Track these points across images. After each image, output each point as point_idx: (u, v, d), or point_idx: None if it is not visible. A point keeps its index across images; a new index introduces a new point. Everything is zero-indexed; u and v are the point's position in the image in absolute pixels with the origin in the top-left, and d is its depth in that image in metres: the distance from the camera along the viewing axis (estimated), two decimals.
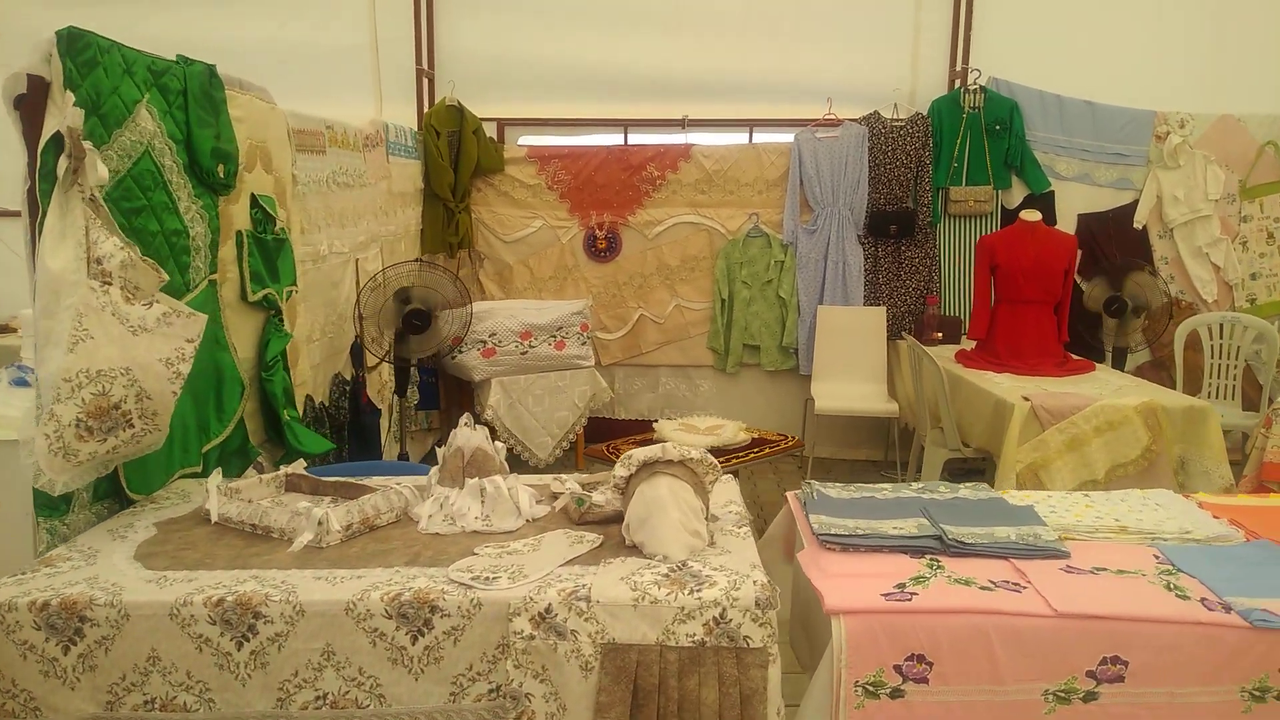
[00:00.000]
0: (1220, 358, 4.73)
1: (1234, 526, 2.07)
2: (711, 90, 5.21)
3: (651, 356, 5.34)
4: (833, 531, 1.98)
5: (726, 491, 2.28)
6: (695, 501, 1.89)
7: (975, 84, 4.96)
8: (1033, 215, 4.07)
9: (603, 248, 5.25)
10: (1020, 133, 4.94)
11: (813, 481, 2.32)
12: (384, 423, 4.30)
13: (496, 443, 2.22)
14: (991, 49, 5.03)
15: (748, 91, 5.21)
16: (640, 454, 1.92)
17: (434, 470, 2.19)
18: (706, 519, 1.94)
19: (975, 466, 4.15)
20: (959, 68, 5.05)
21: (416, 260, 3.74)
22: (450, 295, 3.68)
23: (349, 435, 3.53)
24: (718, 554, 1.85)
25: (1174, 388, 4.69)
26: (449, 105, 5.03)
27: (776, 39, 5.14)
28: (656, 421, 4.00)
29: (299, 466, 2.28)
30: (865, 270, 5.09)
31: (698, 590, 1.66)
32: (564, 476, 2.26)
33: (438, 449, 2.21)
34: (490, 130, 5.27)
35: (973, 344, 4.32)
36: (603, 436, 4.50)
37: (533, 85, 5.26)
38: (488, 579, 1.69)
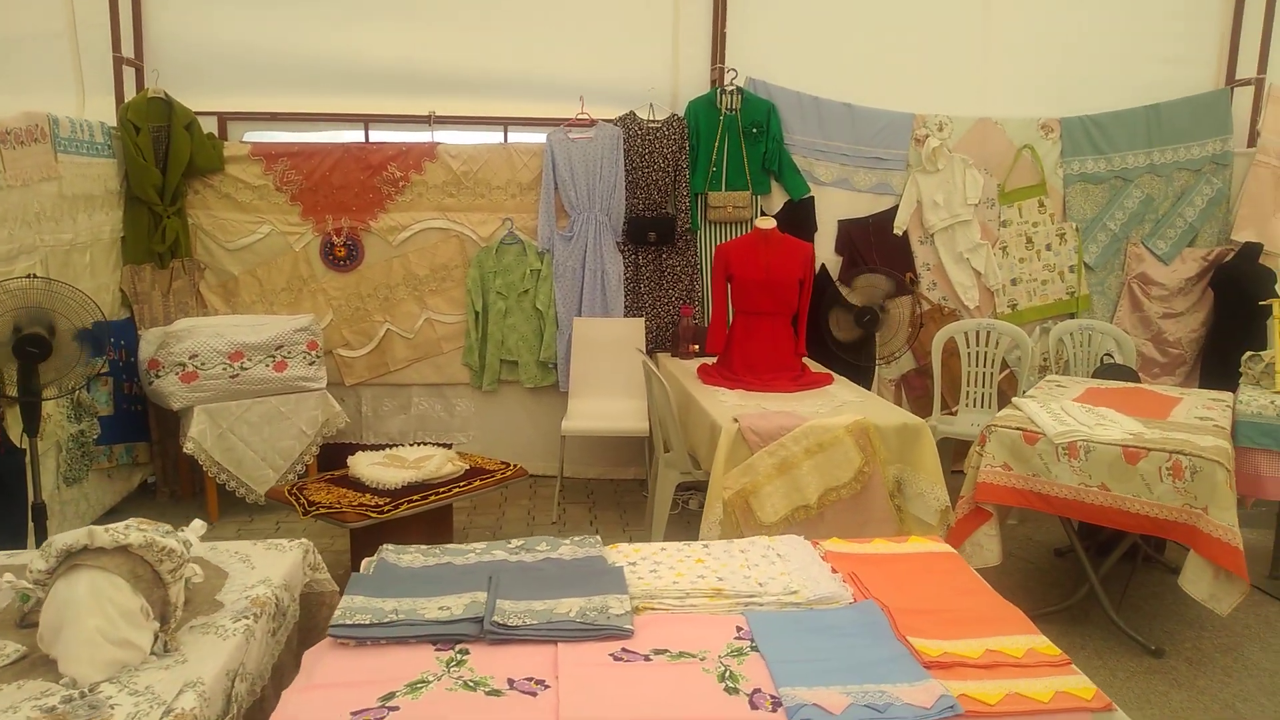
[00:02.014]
0: (978, 365, 4.66)
1: (848, 584, 1.81)
2: (461, 85, 4.80)
3: (402, 375, 4.88)
4: (350, 621, 1.60)
5: (277, 563, 1.87)
6: (131, 602, 1.47)
7: (732, 85, 4.73)
8: (767, 223, 3.85)
9: (342, 256, 4.76)
10: (778, 136, 4.74)
11: (389, 547, 1.94)
12: (54, 461, 3.70)
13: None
14: (748, 49, 4.82)
15: (501, 87, 4.83)
16: (62, 540, 1.49)
17: None
18: (165, 619, 1.52)
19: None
20: (720, 67, 4.82)
21: (30, 276, 3.17)
22: (77, 312, 3.13)
23: None
24: (168, 666, 1.44)
25: (933, 396, 4.59)
26: (153, 97, 4.43)
27: (529, 31, 4.78)
28: (353, 456, 3.56)
29: None
30: (626, 279, 4.79)
31: None
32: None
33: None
34: (211, 125, 4.70)
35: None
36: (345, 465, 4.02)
37: (261, 76, 4.72)
38: None
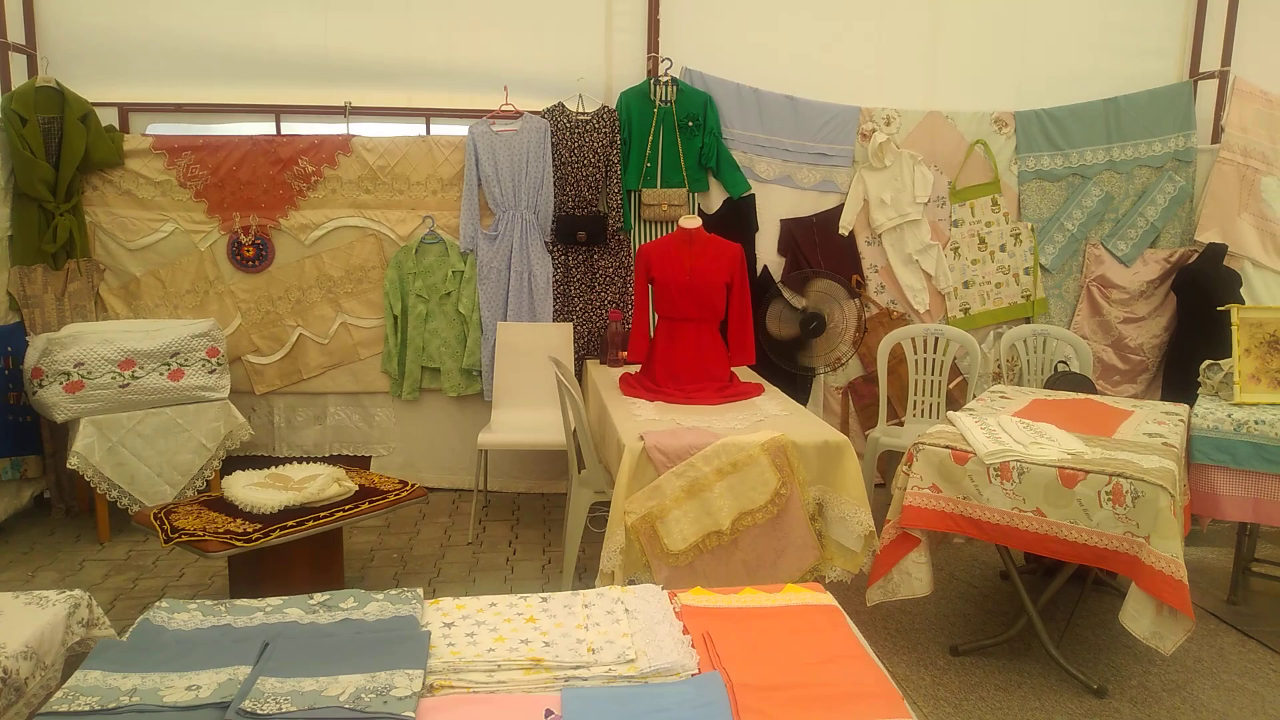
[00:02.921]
0: (926, 373, 4.39)
1: (698, 648, 1.53)
2: (380, 74, 4.51)
3: (316, 383, 4.58)
4: (66, 708, 1.31)
5: (22, 623, 1.58)
6: None
7: (666, 75, 4.45)
8: (692, 221, 3.57)
9: (250, 256, 4.46)
10: (715, 130, 4.47)
11: (164, 604, 1.65)
12: None
13: None
14: (686, 37, 4.55)
15: (423, 76, 4.54)
16: None
17: None
18: None
19: None
20: (654, 56, 4.54)
21: None
22: None
23: None
24: None
25: (879, 404, 4.33)
26: (42, 86, 4.12)
27: (453, 16, 4.49)
28: (226, 476, 3.26)
29: None
30: (555, 281, 4.51)
31: None
32: None
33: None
34: (111, 117, 4.40)
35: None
36: None
37: (165, 64, 4.43)
38: None
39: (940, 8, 4.69)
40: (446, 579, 3.64)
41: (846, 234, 4.63)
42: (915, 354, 4.38)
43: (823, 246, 4.62)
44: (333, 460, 4.62)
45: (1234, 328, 3.49)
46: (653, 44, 4.52)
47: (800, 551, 2.90)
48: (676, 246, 3.57)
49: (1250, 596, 3.59)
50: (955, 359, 4.56)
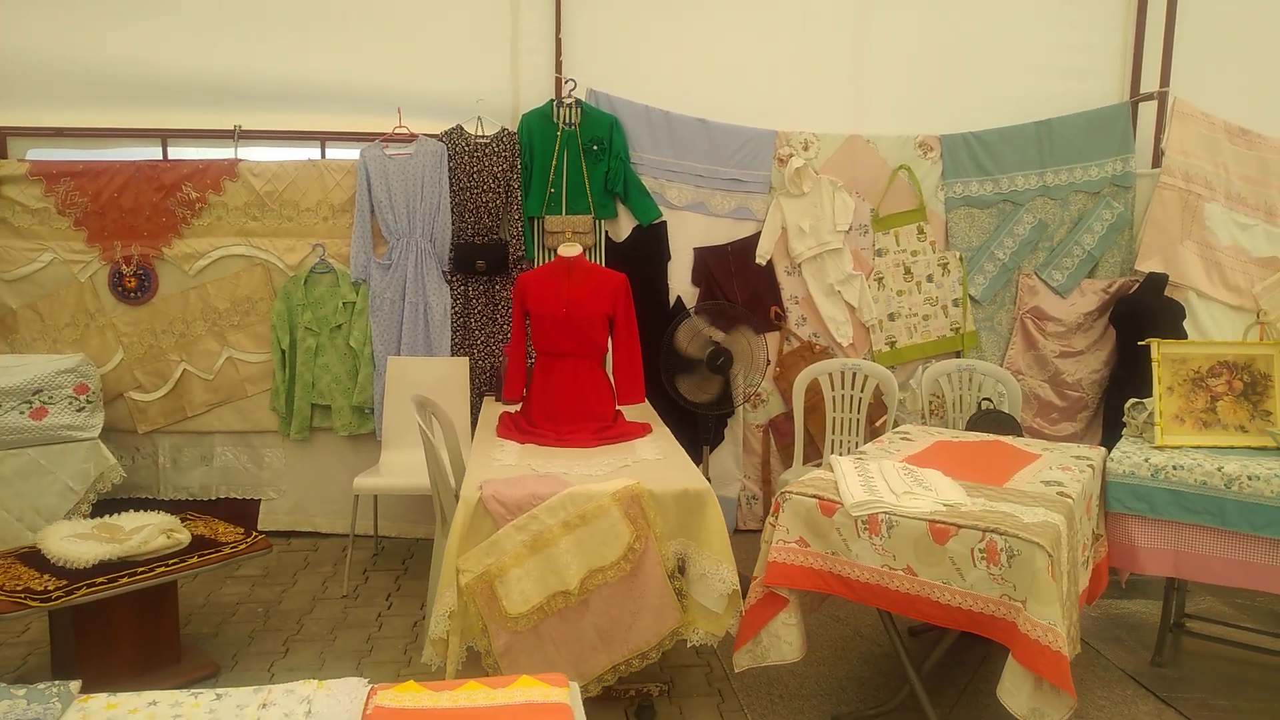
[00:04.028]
0: (844, 411, 4.13)
1: None
2: (272, 95, 4.31)
3: (202, 421, 4.33)
4: None
5: None
6: None
7: (570, 96, 4.24)
8: (572, 249, 3.32)
9: (132, 287, 4.23)
10: (622, 153, 4.25)
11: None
12: None
13: None
14: (594, 58, 4.35)
15: (317, 98, 4.33)
16: None
17: None
18: None
19: None
20: (558, 77, 4.33)
21: None
22: None
23: None
24: None
25: (798, 444, 4.06)
26: None
27: (348, 35, 4.30)
28: (50, 526, 2.99)
29: None
30: (453, 313, 4.26)
31: None
32: None
33: None
34: None
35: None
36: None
37: (46, 88, 4.22)
38: None
39: (864, 26, 4.49)
40: (306, 637, 3.36)
41: (764, 263, 4.39)
42: (833, 390, 4.12)
43: (739, 276, 4.37)
44: (220, 504, 4.36)
45: (1154, 364, 3.23)
46: (558, 64, 4.32)
47: (658, 613, 2.62)
48: (554, 276, 3.33)
49: (1180, 658, 3.29)
50: (885, 396, 4.30)
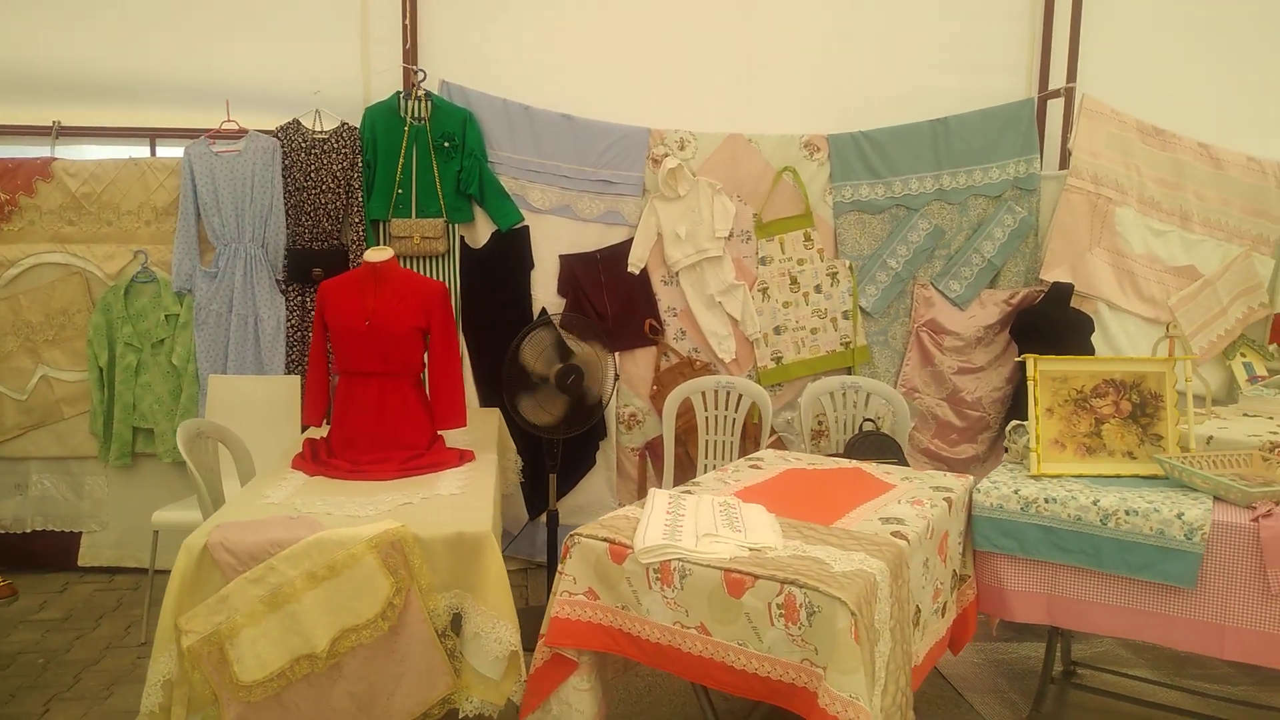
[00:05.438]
0: (717, 432, 3.76)
1: None
2: (96, 88, 3.93)
3: (15, 446, 3.91)
4: None
5: None
6: None
7: (420, 89, 3.87)
8: (381, 254, 2.94)
9: None
10: (476, 151, 3.88)
11: None
12: None
13: None
14: (448, 47, 4.00)
15: (146, 91, 3.95)
16: None
17: None
18: None
19: None
20: (408, 67, 3.97)
21: None
22: None
23: None
24: None
25: (675, 468, 3.69)
26: None
27: (178, 23, 3.92)
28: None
29: None
30: (289, 327, 3.87)
31: None
32: None
33: None
34: None
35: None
36: None
37: None
38: None
39: (748, 15, 4.15)
40: (76, 695, 2.94)
41: (638, 272, 4.02)
42: (705, 410, 3.76)
43: (610, 287, 4.01)
44: (36, 537, 3.94)
45: (1030, 384, 2.89)
46: (409, 55, 3.95)
47: (424, 678, 2.23)
48: (358, 285, 2.94)
49: (1063, 712, 2.93)
50: (761, 417, 3.93)
